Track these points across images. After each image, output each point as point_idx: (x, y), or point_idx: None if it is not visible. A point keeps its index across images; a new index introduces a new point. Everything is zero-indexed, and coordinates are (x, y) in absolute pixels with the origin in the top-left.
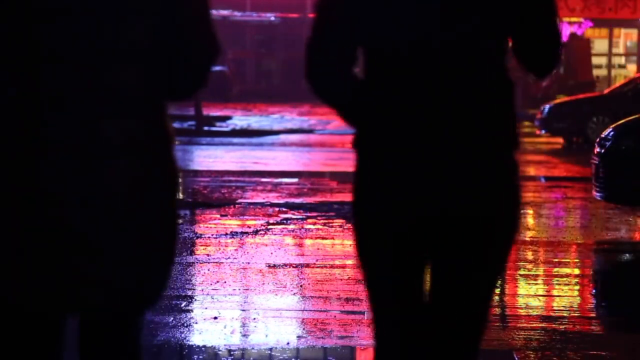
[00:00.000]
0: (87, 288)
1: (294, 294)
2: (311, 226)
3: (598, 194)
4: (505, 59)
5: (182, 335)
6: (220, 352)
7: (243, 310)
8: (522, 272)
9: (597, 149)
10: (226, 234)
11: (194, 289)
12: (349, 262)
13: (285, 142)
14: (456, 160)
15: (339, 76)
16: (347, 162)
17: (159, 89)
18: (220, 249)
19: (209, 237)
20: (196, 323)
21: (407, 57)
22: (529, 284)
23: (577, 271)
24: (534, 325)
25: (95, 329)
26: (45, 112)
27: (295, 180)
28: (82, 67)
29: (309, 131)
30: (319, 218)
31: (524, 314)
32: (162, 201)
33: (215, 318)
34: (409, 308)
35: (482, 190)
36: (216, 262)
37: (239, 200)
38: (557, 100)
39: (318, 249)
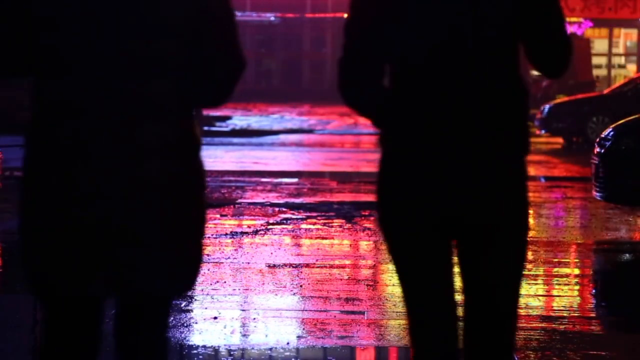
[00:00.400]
0: (128, 275)
1: (294, 294)
2: (311, 226)
3: (598, 194)
4: (518, 68)
5: (182, 335)
6: (220, 352)
7: (243, 310)
8: None
9: (597, 149)
10: (226, 234)
11: (194, 289)
12: (349, 262)
13: (285, 142)
14: (472, 162)
15: (368, 88)
16: (347, 162)
17: (189, 98)
18: (220, 249)
19: (208, 237)
20: (196, 323)
21: (428, 67)
22: (529, 284)
23: (577, 271)
24: (534, 325)
25: (131, 312)
26: (89, 118)
27: (295, 180)
28: (120, 79)
29: (309, 131)
30: (319, 218)
31: (524, 314)
32: (192, 197)
33: (215, 318)
34: (437, 299)
35: (495, 190)
36: (216, 262)
37: (239, 200)
38: (557, 100)
39: (318, 249)
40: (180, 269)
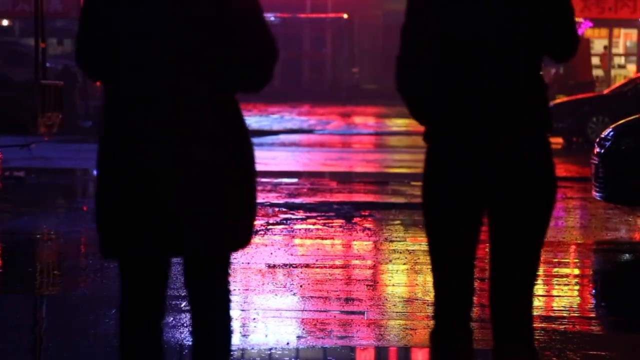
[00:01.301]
0: (186, 239)
1: (294, 294)
2: (311, 226)
3: (598, 194)
4: (539, 67)
5: (182, 335)
6: None
7: (243, 310)
8: None
9: (596, 149)
10: None
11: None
12: (349, 262)
13: (285, 142)
14: (510, 144)
15: (425, 87)
16: (347, 162)
17: (232, 88)
18: None
19: None
20: None
21: (469, 66)
22: None
23: (577, 271)
24: (534, 325)
25: (199, 267)
26: (150, 110)
27: (295, 180)
28: (174, 78)
29: (309, 131)
30: (319, 218)
31: None
32: (241, 173)
33: None
34: (469, 271)
35: (531, 162)
36: None
37: None
38: (557, 100)
39: (318, 249)
40: (233, 233)
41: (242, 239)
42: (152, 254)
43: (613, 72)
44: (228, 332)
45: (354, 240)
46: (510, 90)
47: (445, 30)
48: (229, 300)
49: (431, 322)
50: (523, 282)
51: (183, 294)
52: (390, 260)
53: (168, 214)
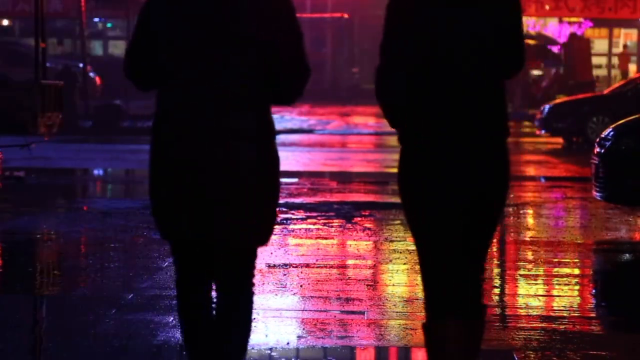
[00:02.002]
0: (225, 228)
1: (294, 294)
2: (311, 226)
3: (598, 194)
4: (501, 72)
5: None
6: None
7: None
8: (522, 272)
9: (597, 149)
10: None
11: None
12: (349, 262)
13: (285, 142)
14: (470, 146)
15: (401, 96)
16: (347, 162)
17: (267, 96)
18: None
19: None
20: None
21: (428, 77)
22: (529, 284)
23: (577, 271)
24: (534, 325)
25: (228, 256)
26: (193, 113)
27: (295, 180)
28: (214, 83)
29: (309, 131)
30: (319, 218)
31: (524, 314)
32: (268, 172)
33: None
34: (451, 251)
35: (489, 163)
36: None
37: None
38: (557, 100)
39: (318, 249)
40: (258, 226)
41: (269, 233)
42: (197, 237)
43: (613, 72)
44: (249, 323)
45: (354, 240)
46: (474, 100)
47: (419, 45)
48: (252, 293)
49: None
50: (475, 265)
51: None
52: (390, 260)
53: (210, 206)
